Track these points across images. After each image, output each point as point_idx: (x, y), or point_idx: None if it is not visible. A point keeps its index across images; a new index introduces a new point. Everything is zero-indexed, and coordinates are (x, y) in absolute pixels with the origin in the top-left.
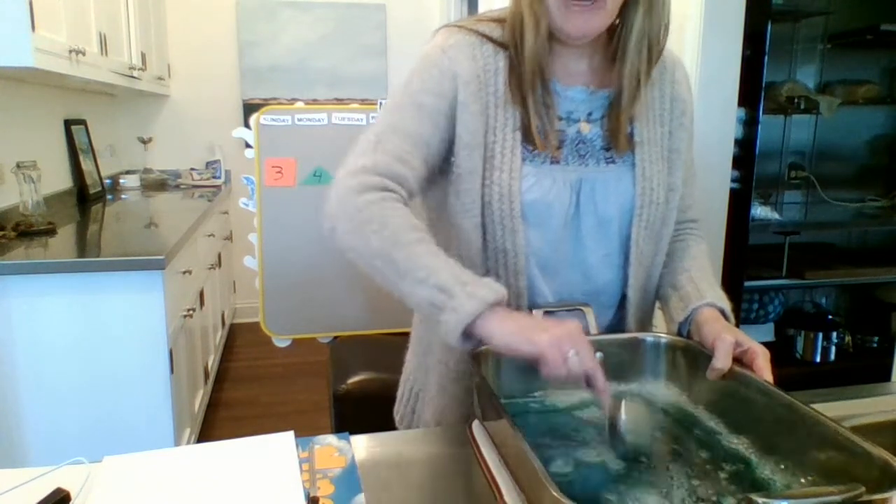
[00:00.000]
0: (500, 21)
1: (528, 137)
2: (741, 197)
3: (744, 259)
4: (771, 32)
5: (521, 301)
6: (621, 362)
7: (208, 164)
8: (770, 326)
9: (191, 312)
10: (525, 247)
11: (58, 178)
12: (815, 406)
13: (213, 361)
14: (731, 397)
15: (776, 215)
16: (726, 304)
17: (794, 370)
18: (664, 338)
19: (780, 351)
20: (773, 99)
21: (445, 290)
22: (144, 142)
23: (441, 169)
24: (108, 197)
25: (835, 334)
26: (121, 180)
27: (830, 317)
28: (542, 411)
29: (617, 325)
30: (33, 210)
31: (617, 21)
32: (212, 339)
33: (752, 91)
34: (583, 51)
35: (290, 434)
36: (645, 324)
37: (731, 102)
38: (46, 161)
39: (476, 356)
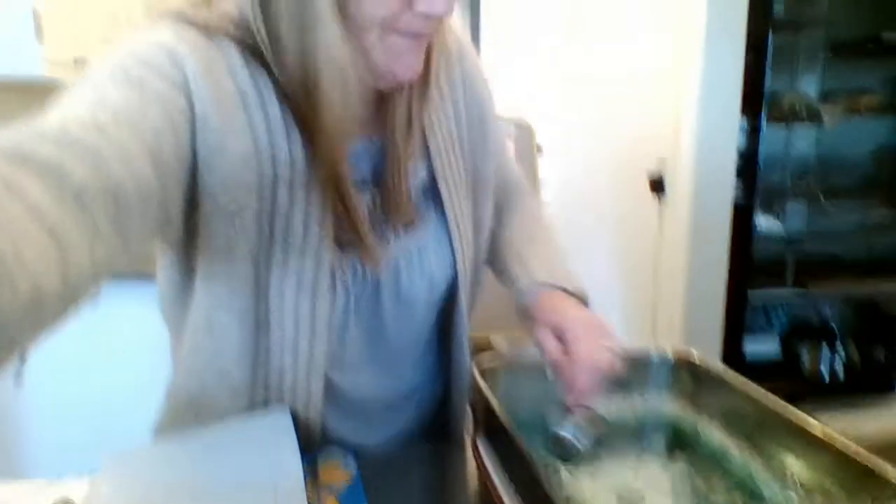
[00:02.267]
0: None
1: (339, 231)
2: (744, 208)
3: (748, 270)
4: (772, 41)
5: (315, 405)
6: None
7: None
8: (776, 339)
9: None
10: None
11: None
12: (823, 419)
13: None
14: (738, 412)
15: (780, 226)
16: (563, 278)
17: (800, 383)
18: (667, 353)
19: (786, 364)
20: (776, 108)
21: None
22: None
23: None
24: None
25: (841, 347)
26: None
27: (836, 330)
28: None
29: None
30: None
31: None
32: None
33: (754, 100)
34: (363, 91)
35: (286, 408)
36: (460, 402)
37: (734, 112)
38: None
39: (483, 372)
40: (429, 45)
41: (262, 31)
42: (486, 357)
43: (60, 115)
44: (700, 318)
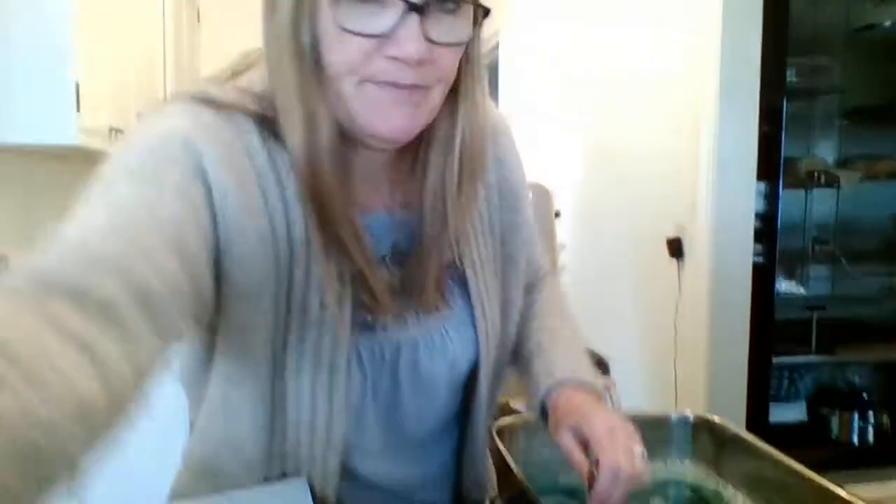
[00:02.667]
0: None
1: (367, 299)
2: (765, 271)
3: (770, 334)
4: (787, 108)
5: (329, 481)
6: (645, 440)
7: None
8: (802, 405)
9: None
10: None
11: None
12: (853, 489)
13: None
14: (761, 478)
15: (802, 290)
16: (584, 375)
17: (829, 451)
18: (689, 416)
19: (814, 431)
20: (793, 173)
21: None
22: None
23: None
24: None
25: (871, 414)
26: None
27: (865, 396)
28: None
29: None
30: None
31: None
32: None
33: (770, 166)
34: (384, 159)
35: (304, 480)
36: (479, 476)
37: (751, 177)
38: None
39: (500, 431)
40: (453, 119)
41: (276, 100)
42: (505, 420)
43: (79, 227)
44: (723, 383)
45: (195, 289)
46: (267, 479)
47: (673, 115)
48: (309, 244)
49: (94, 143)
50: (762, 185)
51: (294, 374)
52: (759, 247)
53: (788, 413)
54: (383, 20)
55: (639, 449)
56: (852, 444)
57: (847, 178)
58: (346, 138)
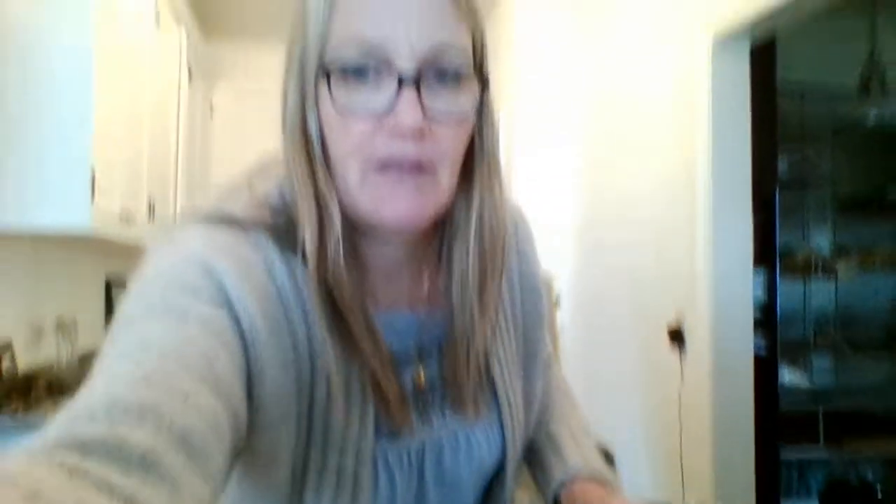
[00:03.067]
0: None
1: (385, 408)
2: (767, 362)
3: (776, 427)
4: (781, 200)
5: None
6: None
7: None
8: (814, 502)
9: None
10: None
11: (93, 337)
12: None
13: None
14: None
15: (806, 381)
16: (596, 467)
17: None
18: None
19: None
20: (790, 262)
21: None
22: None
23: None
24: None
25: None
26: None
27: (879, 492)
28: None
29: None
30: (67, 368)
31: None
32: None
33: (766, 255)
34: (403, 254)
35: None
36: None
37: (747, 268)
38: (84, 319)
39: None
40: (469, 208)
41: (292, 198)
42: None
43: (106, 377)
44: (731, 476)
45: (234, 422)
46: None
47: (671, 203)
48: (328, 359)
49: (107, 228)
50: (760, 275)
51: (314, 493)
52: (761, 339)
53: None
54: (381, 98)
55: None
56: None
57: (845, 269)
58: (362, 233)
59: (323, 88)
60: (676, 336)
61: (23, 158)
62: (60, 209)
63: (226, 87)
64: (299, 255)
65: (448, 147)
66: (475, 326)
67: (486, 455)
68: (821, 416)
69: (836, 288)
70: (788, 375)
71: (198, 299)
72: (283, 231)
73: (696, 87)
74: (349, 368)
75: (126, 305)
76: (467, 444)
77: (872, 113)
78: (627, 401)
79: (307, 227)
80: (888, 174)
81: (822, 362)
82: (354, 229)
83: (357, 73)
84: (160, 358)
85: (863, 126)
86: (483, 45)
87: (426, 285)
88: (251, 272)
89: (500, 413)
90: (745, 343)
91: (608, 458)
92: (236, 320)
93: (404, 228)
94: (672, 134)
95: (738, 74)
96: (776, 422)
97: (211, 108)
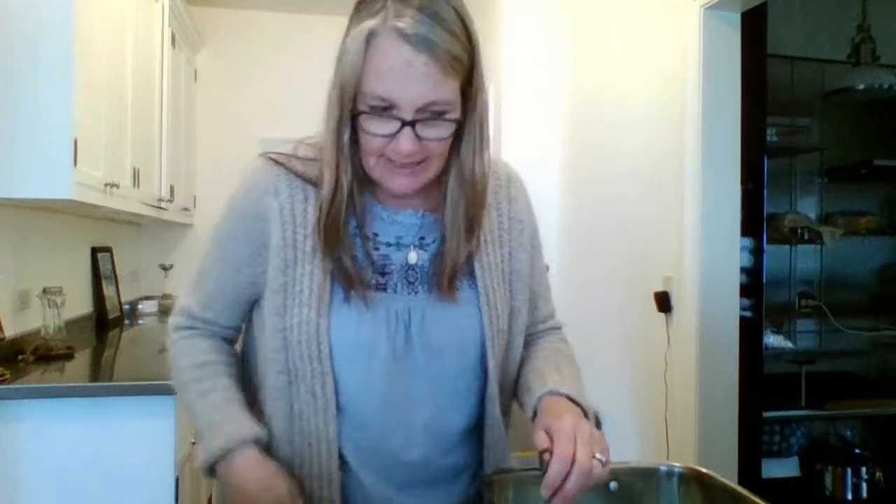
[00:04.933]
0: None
1: (337, 273)
2: (753, 325)
3: (760, 388)
4: (769, 167)
5: (332, 448)
6: (634, 492)
7: None
8: (794, 460)
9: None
10: (335, 391)
11: (80, 303)
12: None
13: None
14: None
15: (790, 344)
16: (574, 390)
17: None
18: (678, 467)
19: (808, 487)
20: (777, 229)
21: (199, 433)
22: (166, 268)
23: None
24: (126, 322)
25: (864, 469)
26: (139, 306)
27: (857, 451)
28: None
29: (470, 465)
30: (54, 335)
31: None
32: None
33: (754, 222)
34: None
35: None
36: (500, 460)
37: (735, 233)
38: (70, 286)
39: (490, 483)
40: (466, 188)
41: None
42: (496, 476)
43: (196, 293)
44: (714, 437)
45: (241, 312)
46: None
47: (658, 170)
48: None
49: (90, 196)
50: (747, 241)
51: (299, 343)
52: (746, 301)
53: (781, 468)
54: (389, 129)
55: (601, 451)
56: (846, 499)
57: (830, 235)
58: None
59: (353, 113)
60: (663, 300)
61: (4, 127)
62: (43, 177)
63: (209, 53)
64: (305, 187)
65: (434, 151)
66: (460, 238)
67: (466, 329)
68: (803, 379)
69: (822, 254)
70: (773, 339)
71: (234, 244)
72: (304, 174)
73: (685, 54)
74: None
75: (216, 225)
76: (446, 315)
77: (861, 83)
78: (614, 365)
79: (326, 181)
80: (876, 142)
81: (806, 326)
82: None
83: (377, 112)
84: (207, 286)
85: (852, 95)
86: (472, 65)
87: (432, 200)
88: (274, 197)
89: (478, 302)
90: (731, 308)
91: (597, 422)
92: (259, 249)
93: (404, 195)
94: (661, 100)
95: (729, 41)
96: (760, 384)
97: (195, 74)
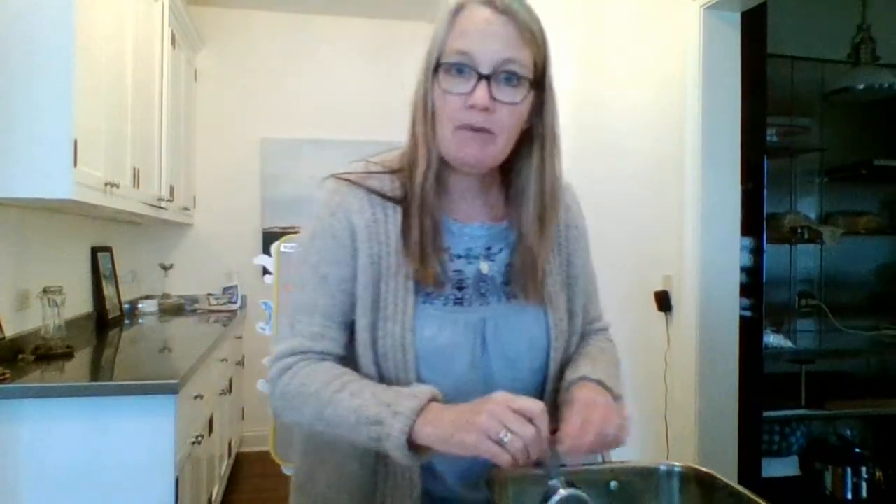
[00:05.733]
0: (392, 171)
1: (422, 283)
2: (753, 324)
3: (759, 387)
4: (769, 166)
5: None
6: (634, 491)
7: (225, 289)
8: (794, 459)
9: (199, 439)
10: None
11: (80, 303)
12: None
13: (217, 492)
14: None
15: (790, 344)
16: (606, 377)
17: None
18: (678, 467)
19: (808, 486)
20: (777, 229)
21: (376, 421)
22: (165, 268)
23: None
24: (126, 321)
25: (864, 469)
26: (139, 305)
27: (857, 450)
28: None
29: None
30: (54, 334)
31: (510, 164)
32: (217, 468)
33: (754, 222)
34: (478, 187)
35: None
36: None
37: (735, 233)
38: (70, 286)
39: (490, 481)
40: (539, 164)
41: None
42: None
43: (302, 342)
44: (714, 437)
45: (348, 319)
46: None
47: (659, 170)
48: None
49: (90, 196)
50: (747, 240)
51: (382, 324)
52: (746, 301)
53: (780, 468)
54: (467, 85)
55: (620, 419)
56: (846, 499)
57: (830, 234)
58: (451, 169)
59: (436, 77)
60: (663, 300)
61: (3, 127)
62: (43, 177)
63: (209, 53)
64: (386, 200)
65: (503, 122)
66: (536, 244)
67: (535, 333)
68: (803, 378)
69: (822, 253)
70: (773, 339)
71: (333, 266)
72: (381, 192)
73: (685, 54)
74: (407, 268)
75: (298, 265)
76: (519, 320)
77: (861, 83)
78: None
79: (420, 161)
80: (876, 142)
81: (805, 326)
82: (446, 165)
83: (456, 70)
84: (314, 317)
85: (852, 95)
86: (544, 65)
87: (496, 211)
88: (360, 214)
89: (545, 307)
90: (731, 308)
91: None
92: (354, 266)
93: (472, 168)
94: (661, 100)
95: (729, 41)
96: (760, 384)
97: (195, 74)
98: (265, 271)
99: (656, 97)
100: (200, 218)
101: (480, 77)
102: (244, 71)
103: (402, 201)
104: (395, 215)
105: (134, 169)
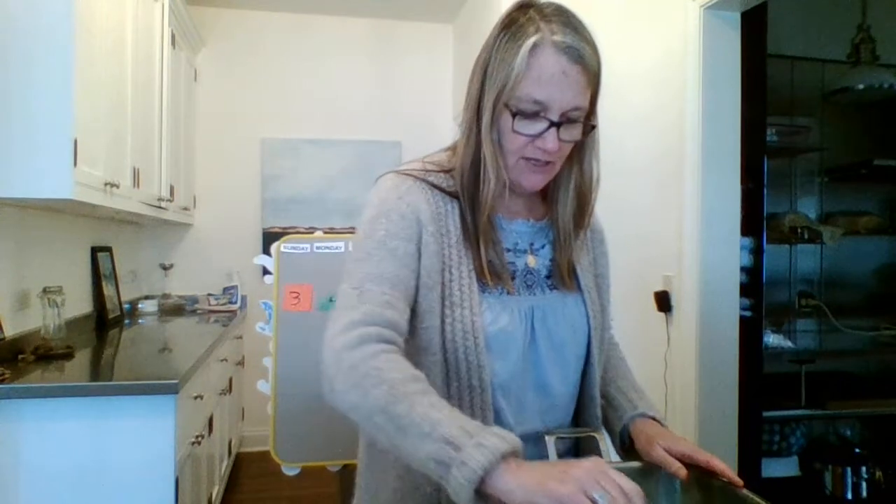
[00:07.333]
0: (445, 170)
1: (482, 274)
2: (752, 324)
3: (759, 387)
4: (769, 166)
5: None
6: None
7: (225, 289)
8: (794, 460)
9: (199, 439)
10: (491, 380)
11: (80, 303)
12: None
13: (217, 492)
14: None
15: (790, 343)
16: (657, 412)
17: None
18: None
19: (808, 486)
20: (777, 229)
21: (452, 443)
22: (165, 268)
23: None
24: (126, 322)
25: (864, 469)
26: (139, 305)
27: (857, 450)
28: None
29: (571, 424)
30: (54, 334)
31: None
32: (217, 468)
33: (754, 221)
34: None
35: None
36: (593, 419)
37: (735, 233)
38: (70, 286)
39: None
40: (579, 171)
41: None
42: None
43: (372, 309)
44: (714, 436)
45: (410, 297)
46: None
47: (658, 170)
48: (458, 246)
49: (90, 196)
50: (747, 240)
51: (450, 314)
52: (746, 301)
53: (780, 468)
54: (537, 128)
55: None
56: (846, 499)
57: (830, 235)
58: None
59: (507, 115)
60: (663, 300)
61: (3, 127)
62: (43, 177)
63: (209, 53)
64: (446, 195)
65: (563, 153)
66: (571, 239)
67: (577, 321)
68: (803, 378)
69: (822, 253)
70: (773, 339)
71: (401, 241)
72: (441, 187)
73: (685, 54)
74: (469, 260)
75: (358, 242)
76: (563, 308)
77: (860, 83)
78: None
79: (489, 179)
80: (876, 142)
81: (805, 325)
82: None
83: (528, 115)
84: (384, 285)
85: (851, 95)
86: (597, 92)
87: (536, 209)
88: (427, 205)
89: (584, 297)
90: (731, 308)
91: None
92: (419, 247)
93: (533, 191)
94: (661, 100)
95: (729, 41)
96: (760, 384)
97: (195, 74)
98: (265, 271)
99: (656, 97)
100: (200, 218)
101: (551, 124)
102: (244, 71)
103: (459, 198)
104: (453, 211)
105: (134, 169)
